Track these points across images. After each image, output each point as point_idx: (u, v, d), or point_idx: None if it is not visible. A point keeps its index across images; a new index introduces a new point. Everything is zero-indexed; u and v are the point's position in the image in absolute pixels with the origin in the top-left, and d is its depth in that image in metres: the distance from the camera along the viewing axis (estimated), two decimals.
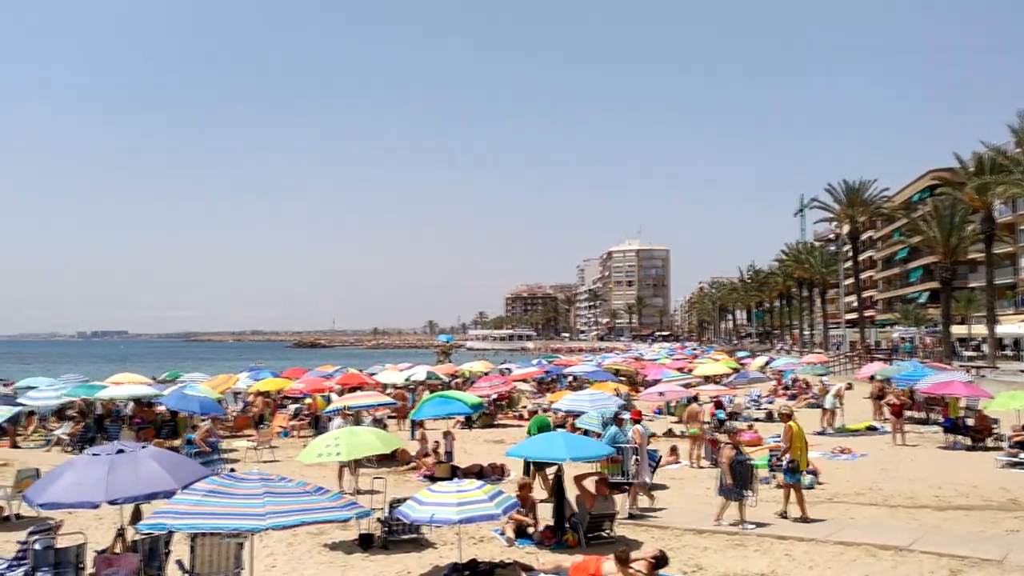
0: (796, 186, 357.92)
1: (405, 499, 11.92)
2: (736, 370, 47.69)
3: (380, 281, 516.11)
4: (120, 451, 9.62)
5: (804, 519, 13.87)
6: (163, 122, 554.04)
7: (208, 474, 9.87)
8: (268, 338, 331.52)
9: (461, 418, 27.17)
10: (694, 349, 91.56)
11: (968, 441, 22.83)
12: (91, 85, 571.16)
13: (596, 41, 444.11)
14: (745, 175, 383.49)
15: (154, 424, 25.47)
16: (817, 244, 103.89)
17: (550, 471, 15.62)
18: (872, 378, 33.33)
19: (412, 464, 20.58)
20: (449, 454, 20.44)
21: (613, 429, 15.47)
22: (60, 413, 28.20)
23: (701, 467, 20.50)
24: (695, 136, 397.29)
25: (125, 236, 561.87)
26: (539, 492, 15.02)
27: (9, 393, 32.56)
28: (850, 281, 79.35)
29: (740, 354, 73.06)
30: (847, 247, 78.31)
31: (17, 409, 23.48)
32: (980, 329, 63.25)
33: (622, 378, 39.86)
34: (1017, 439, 20.21)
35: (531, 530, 12.91)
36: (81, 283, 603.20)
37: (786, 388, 41.54)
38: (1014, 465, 19.29)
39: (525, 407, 30.81)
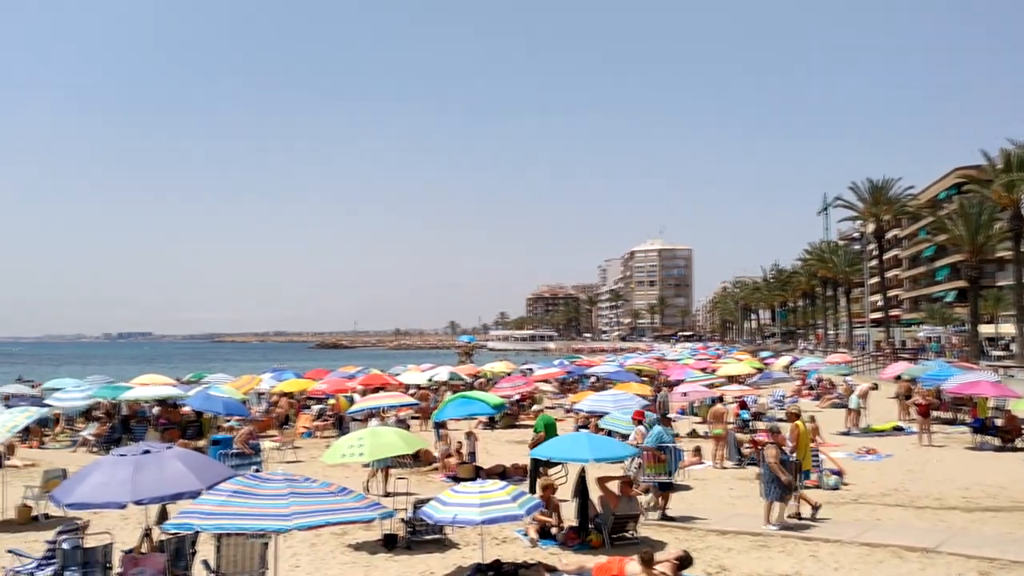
0: (819, 185, 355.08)
1: (428, 500, 11.95)
2: (760, 370, 47.39)
3: (401, 282, 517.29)
4: (146, 452, 9.70)
5: (797, 516, 14.00)
6: (190, 122, 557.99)
7: (233, 475, 9.92)
8: (291, 339, 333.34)
9: (483, 419, 27.18)
10: (717, 349, 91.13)
11: (997, 442, 22.58)
12: (129, 85, 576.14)
13: (619, 40, 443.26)
14: (768, 174, 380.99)
15: (179, 425, 25.65)
16: (841, 243, 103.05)
17: (553, 471, 15.62)
18: (898, 378, 33.01)
19: (435, 465, 20.61)
20: (472, 455, 20.45)
21: (659, 429, 15.30)
22: (86, 414, 28.47)
23: (724, 468, 20.40)
24: (718, 135, 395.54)
25: (148, 238, 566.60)
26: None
27: (36, 394, 32.96)
28: (875, 280, 78.80)
29: (763, 354, 72.61)
30: (872, 246, 77.80)
31: (44, 410, 23.71)
32: (1008, 328, 62.61)
33: (645, 378, 39.71)
34: None
35: (554, 531, 12.90)
36: (106, 285, 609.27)
37: (810, 388, 41.22)
38: None
39: (533, 406, 30.74)
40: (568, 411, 31.86)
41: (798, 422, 15.26)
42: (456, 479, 17.60)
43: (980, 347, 53.29)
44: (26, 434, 24.19)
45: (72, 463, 18.83)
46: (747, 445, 21.54)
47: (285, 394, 32.17)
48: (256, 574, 9.56)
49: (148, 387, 28.94)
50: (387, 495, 16.23)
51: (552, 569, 10.94)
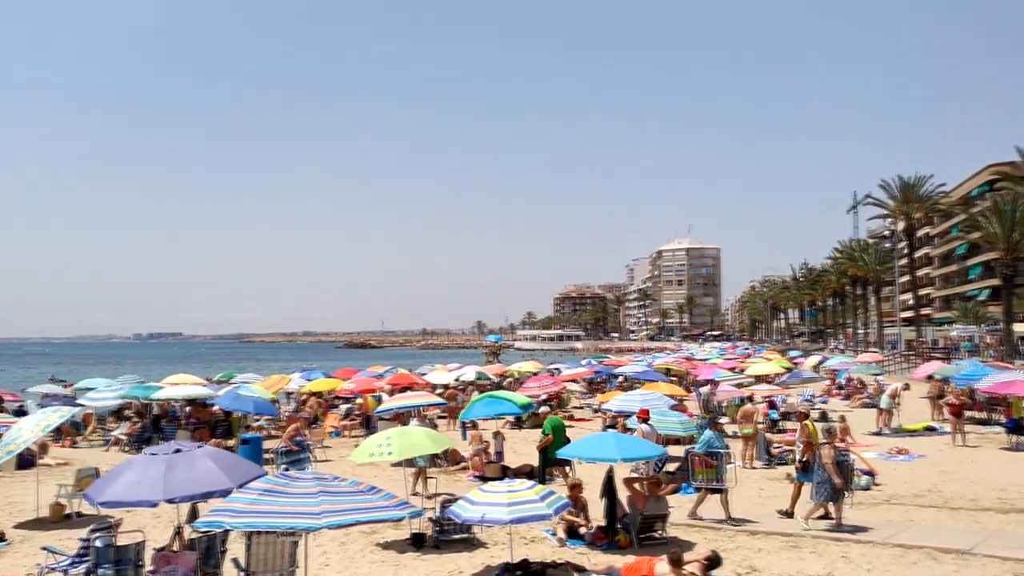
0: (849, 183, 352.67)
1: (456, 499, 11.95)
2: (789, 370, 47.03)
3: (429, 282, 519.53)
4: (177, 451, 9.78)
5: (788, 513, 14.22)
6: (218, 122, 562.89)
7: (263, 473, 9.98)
8: (319, 339, 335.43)
9: (511, 418, 27.17)
10: (746, 349, 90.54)
11: None
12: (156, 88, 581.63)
13: (648, 40, 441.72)
14: (797, 172, 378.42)
15: (209, 424, 25.87)
16: (871, 241, 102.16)
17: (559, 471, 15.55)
18: (930, 377, 32.64)
19: (463, 464, 20.63)
20: (499, 454, 20.46)
21: (709, 433, 15.10)
22: (118, 413, 28.80)
23: (754, 468, 20.25)
24: (745, 133, 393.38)
25: (178, 238, 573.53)
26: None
27: (69, 394, 33.35)
28: (906, 278, 77.85)
29: (792, 353, 72.05)
30: (902, 244, 76.87)
31: (76, 410, 23.97)
32: None
33: (673, 378, 39.53)
34: None
35: (583, 530, 12.86)
36: (136, 286, 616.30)
37: (840, 388, 40.84)
38: None
39: (542, 407, 30.61)
40: (596, 411, 31.80)
41: (807, 422, 15.27)
42: (483, 478, 17.62)
43: (1014, 346, 52.43)
44: (58, 434, 24.49)
45: (104, 462, 19.04)
46: (776, 444, 21.39)
47: (314, 393, 32.35)
48: (286, 572, 9.60)
49: (178, 387, 29.19)
50: (415, 494, 16.29)
51: (580, 569, 10.91)
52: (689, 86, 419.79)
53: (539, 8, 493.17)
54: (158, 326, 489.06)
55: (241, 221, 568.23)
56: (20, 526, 14.23)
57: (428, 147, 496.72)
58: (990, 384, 25.15)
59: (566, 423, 30.20)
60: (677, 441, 21.49)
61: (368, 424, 27.04)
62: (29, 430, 14.63)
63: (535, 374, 43.15)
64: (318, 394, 32.55)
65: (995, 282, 68.41)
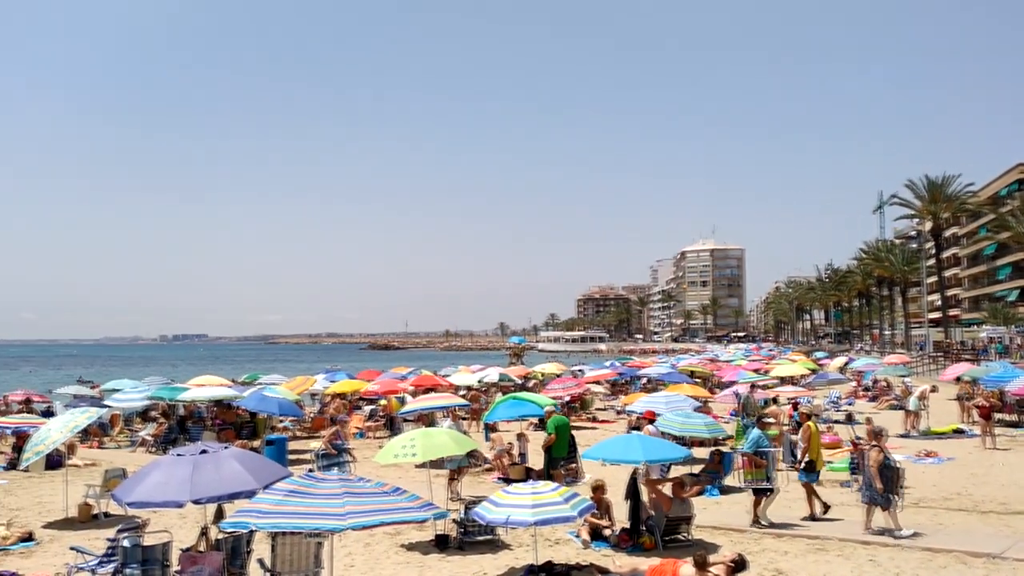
0: (874, 183, 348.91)
1: (480, 500, 11.95)
2: (814, 371, 46.67)
3: (451, 283, 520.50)
4: (203, 452, 9.85)
5: (812, 517, 14.09)
6: (246, 122, 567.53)
7: (288, 475, 10.03)
8: (342, 340, 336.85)
9: (534, 420, 27.12)
10: (771, 350, 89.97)
11: None
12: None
13: (672, 40, 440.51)
14: (821, 172, 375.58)
15: (234, 425, 26.03)
16: (897, 241, 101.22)
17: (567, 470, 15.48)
18: (958, 379, 32.26)
19: (486, 466, 20.62)
20: (523, 456, 20.43)
21: (756, 432, 14.97)
22: (144, 414, 29.06)
23: (779, 469, 20.05)
24: (770, 133, 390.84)
25: (203, 240, 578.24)
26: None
27: (96, 395, 33.71)
28: (933, 279, 77.16)
29: (818, 355, 71.49)
30: (929, 244, 76.14)
31: (104, 411, 24.25)
32: None
33: (697, 380, 39.34)
34: None
35: (607, 532, 12.81)
36: (161, 287, 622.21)
37: (866, 389, 40.46)
38: None
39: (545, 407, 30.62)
40: (619, 413, 31.70)
41: (810, 423, 15.18)
42: (507, 480, 17.60)
43: None
44: (85, 435, 24.73)
45: (131, 463, 19.23)
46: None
47: (338, 395, 32.48)
48: (311, 573, 9.63)
49: (204, 388, 29.39)
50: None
51: (605, 571, 10.88)
52: (714, 86, 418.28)
53: (577, 10, 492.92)
54: (183, 328, 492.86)
55: (266, 222, 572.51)
56: (49, 526, 14.39)
57: (452, 148, 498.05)
58: (1020, 386, 24.85)
59: (590, 425, 30.37)
60: (701, 443, 21.39)
61: (392, 425, 27.10)
62: (58, 431, 14.80)
63: (558, 376, 43.09)
64: (342, 395, 32.67)
65: None
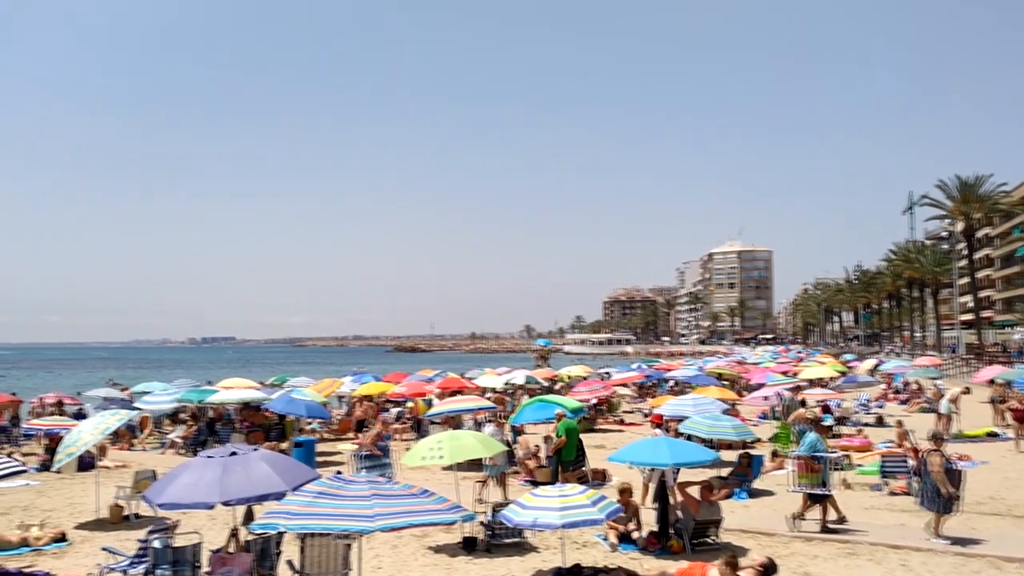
0: (904, 183, 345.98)
1: (508, 503, 11.94)
2: (843, 373, 46.24)
3: (477, 285, 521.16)
4: (233, 454, 9.92)
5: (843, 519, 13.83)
6: (278, 124, 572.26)
7: (317, 476, 10.08)
8: (369, 343, 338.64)
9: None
10: (799, 352, 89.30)
11: None
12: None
13: (696, 41, 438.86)
14: (850, 173, 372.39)
15: (263, 427, 26.19)
16: (928, 242, 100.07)
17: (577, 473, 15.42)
18: (991, 382, 31.82)
19: (513, 468, 20.59)
20: (549, 459, 20.35)
21: (812, 436, 14.67)
22: (173, 417, 29.31)
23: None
24: (797, 134, 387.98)
25: (231, 242, 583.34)
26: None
27: (126, 398, 34.05)
28: (965, 280, 76.18)
29: (847, 357, 70.82)
30: (961, 245, 75.23)
31: (133, 413, 24.50)
32: None
33: (725, 382, 39.11)
34: None
35: (635, 535, 12.76)
36: (191, 292, 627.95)
37: (897, 392, 40.02)
38: None
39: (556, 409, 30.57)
40: (647, 416, 31.57)
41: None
42: (534, 483, 17.58)
43: None
44: (115, 436, 24.99)
45: (161, 464, 19.40)
46: (832, 449, 21.00)
47: (365, 397, 32.60)
48: (339, 575, 9.68)
49: (232, 390, 29.61)
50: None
51: (633, 574, 10.83)
52: (741, 86, 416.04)
53: (595, 7, 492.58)
54: (211, 331, 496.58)
55: (293, 225, 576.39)
56: (81, 527, 14.55)
57: (480, 150, 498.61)
58: None
59: (617, 428, 30.27)
60: (729, 446, 21.27)
61: (419, 428, 27.17)
62: (89, 432, 14.96)
63: (585, 378, 43.01)
64: (369, 397, 32.77)
65: None
